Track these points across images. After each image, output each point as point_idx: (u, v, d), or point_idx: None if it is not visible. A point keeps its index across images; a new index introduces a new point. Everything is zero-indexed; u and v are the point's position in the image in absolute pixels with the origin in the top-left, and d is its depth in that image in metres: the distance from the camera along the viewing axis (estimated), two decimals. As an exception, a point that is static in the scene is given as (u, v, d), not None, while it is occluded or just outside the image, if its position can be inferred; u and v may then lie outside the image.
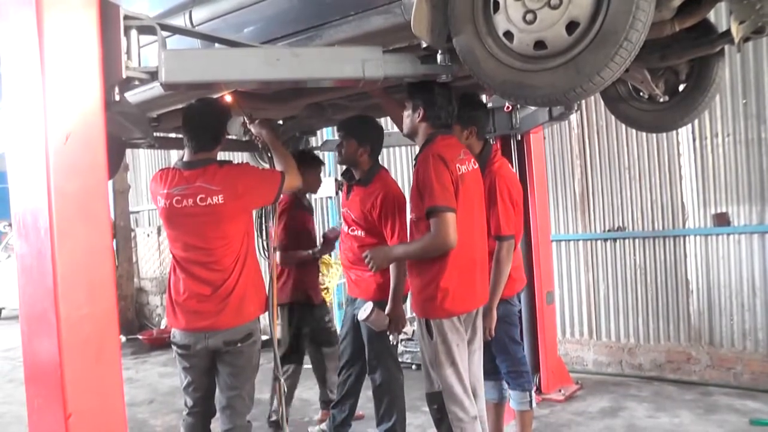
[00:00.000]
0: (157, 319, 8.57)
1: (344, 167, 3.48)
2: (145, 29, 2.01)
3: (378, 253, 2.75)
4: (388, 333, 3.19)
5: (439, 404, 2.63)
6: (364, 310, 3.11)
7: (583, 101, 4.87)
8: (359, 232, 3.33)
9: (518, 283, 3.29)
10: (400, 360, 5.56)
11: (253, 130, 3.01)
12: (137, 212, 9.15)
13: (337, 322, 5.17)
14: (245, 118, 3.04)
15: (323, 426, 3.95)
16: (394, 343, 3.27)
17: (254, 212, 2.92)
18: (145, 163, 9.10)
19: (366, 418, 4.14)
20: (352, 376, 3.61)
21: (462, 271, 2.58)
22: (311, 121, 3.75)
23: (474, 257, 2.65)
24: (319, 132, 5.27)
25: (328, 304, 4.65)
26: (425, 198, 2.53)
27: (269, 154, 2.98)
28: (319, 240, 4.20)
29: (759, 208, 4.49)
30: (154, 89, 2.60)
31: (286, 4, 2.54)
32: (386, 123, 5.73)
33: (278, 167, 2.89)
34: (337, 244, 4.02)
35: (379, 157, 3.43)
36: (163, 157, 8.39)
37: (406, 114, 2.73)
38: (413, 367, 5.49)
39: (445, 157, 2.54)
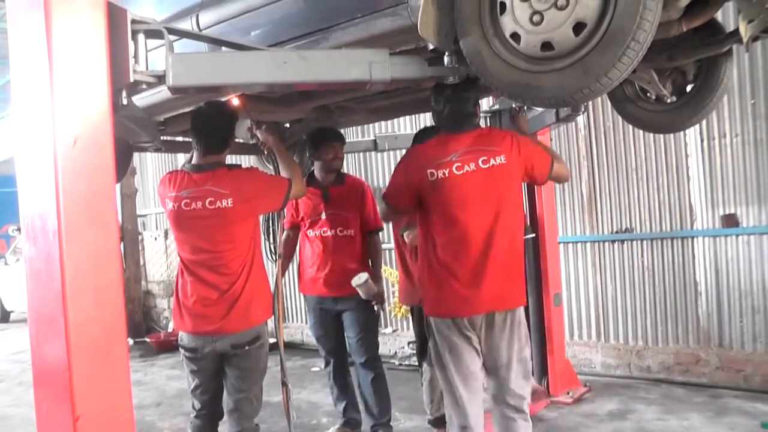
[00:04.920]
0: (164, 322, 8.59)
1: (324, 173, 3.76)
2: (153, 33, 2.02)
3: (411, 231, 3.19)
4: (373, 303, 3.58)
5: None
6: (359, 277, 3.45)
7: (591, 102, 4.85)
8: (350, 231, 3.65)
9: None
10: (407, 362, 5.64)
11: (259, 136, 3.01)
12: (144, 215, 9.19)
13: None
14: (252, 123, 3.05)
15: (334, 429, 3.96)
16: (377, 312, 3.64)
17: (261, 216, 2.92)
18: (153, 167, 9.13)
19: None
20: (339, 374, 3.82)
21: (438, 273, 2.55)
22: (318, 124, 3.75)
23: (460, 260, 2.50)
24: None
25: None
26: None
27: (274, 159, 2.99)
28: None
29: (768, 209, 4.46)
30: (161, 93, 2.61)
31: (293, 8, 2.54)
32: (391, 125, 5.74)
33: (284, 174, 2.88)
34: None
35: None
36: (170, 160, 8.43)
37: None
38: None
39: (419, 160, 2.62)
